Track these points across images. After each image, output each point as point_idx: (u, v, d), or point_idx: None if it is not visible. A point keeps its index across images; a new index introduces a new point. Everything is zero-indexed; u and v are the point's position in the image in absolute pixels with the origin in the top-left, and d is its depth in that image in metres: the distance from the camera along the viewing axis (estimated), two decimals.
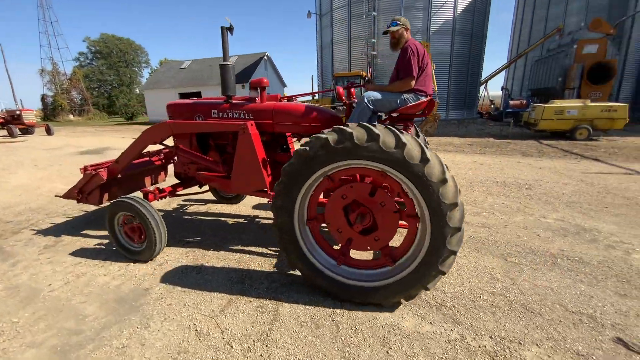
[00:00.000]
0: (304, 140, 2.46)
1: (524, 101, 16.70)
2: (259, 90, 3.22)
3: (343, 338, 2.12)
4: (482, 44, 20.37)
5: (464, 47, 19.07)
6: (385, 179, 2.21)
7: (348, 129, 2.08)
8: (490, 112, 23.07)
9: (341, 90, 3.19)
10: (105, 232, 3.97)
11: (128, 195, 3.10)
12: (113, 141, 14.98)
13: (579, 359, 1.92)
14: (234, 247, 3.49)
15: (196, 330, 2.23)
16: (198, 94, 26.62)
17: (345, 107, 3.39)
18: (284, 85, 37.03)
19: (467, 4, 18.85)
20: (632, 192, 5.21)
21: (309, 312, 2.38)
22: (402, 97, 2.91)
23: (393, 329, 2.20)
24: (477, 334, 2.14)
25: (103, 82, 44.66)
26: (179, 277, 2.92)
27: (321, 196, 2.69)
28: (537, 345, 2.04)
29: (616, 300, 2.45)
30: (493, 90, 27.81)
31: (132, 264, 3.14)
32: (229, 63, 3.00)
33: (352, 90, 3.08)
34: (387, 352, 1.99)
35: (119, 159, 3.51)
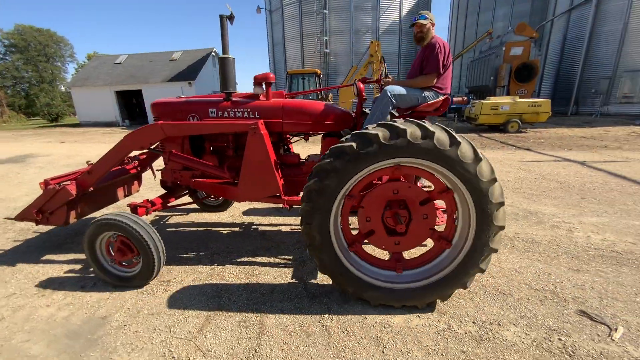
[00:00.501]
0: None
1: (465, 98, 18.24)
2: (264, 86, 2.90)
3: (336, 343, 2.06)
4: None
5: (410, 48, 20.20)
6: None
7: (400, 125, 1.98)
8: None
9: (362, 85, 2.90)
10: (43, 255, 3.39)
11: (115, 212, 2.63)
12: (37, 147, 13.00)
13: (552, 333, 2.10)
14: (204, 258, 3.22)
15: (173, 357, 1.98)
16: (138, 93, 24.37)
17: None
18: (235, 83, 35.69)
19: (411, 6, 19.98)
20: (562, 177, 5.97)
21: (296, 321, 2.27)
22: (423, 94, 2.83)
23: (384, 327, 2.20)
24: (461, 321, 2.23)
25: (19, 80, 38.55)
26: (143, 298, 2.59)
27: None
28: (514, 324, 2.19)
29: (571, 276, 2.76)
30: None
31: (80, 291, 2.71)
32: (229, 56, 2.74)
33: (362, 86, 2.85)
34: (383, 352, 1.98)
35: (92, 169, 3.00)
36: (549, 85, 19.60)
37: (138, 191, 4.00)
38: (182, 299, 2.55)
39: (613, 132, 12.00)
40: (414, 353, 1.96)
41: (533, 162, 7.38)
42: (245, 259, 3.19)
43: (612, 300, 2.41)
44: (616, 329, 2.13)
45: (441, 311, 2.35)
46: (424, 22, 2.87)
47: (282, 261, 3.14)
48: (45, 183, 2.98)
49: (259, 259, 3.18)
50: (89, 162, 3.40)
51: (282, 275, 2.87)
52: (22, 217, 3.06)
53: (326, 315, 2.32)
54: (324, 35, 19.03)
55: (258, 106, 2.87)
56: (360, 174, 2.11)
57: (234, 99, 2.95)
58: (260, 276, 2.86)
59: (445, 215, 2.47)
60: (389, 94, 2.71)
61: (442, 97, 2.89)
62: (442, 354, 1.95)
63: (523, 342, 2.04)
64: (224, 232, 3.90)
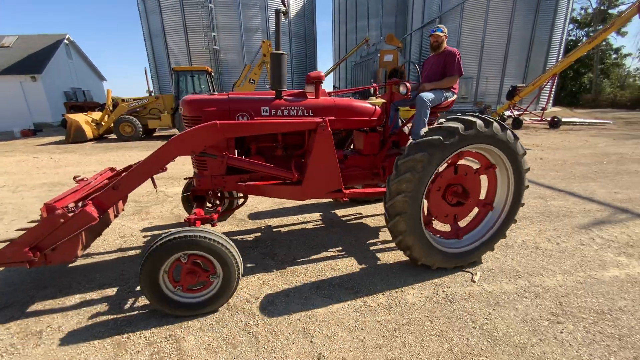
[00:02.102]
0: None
1: (353, 99, 20.32)
2: (314, 85, 2.92)
3: (266, 346, 2.04)
4: (314, 46, 23.12)
5: (300, 49, 21.11)
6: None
7: (471, 119, 2.56)
8: None
9: (409, 85, 3.16)
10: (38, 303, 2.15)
11: (183, 229, 2.18)
12: None
13: (437, 288, 2.62)
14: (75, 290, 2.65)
15: None
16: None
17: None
18: (103, 78, 29.89)
19: (298, 9, 20.81)
20: None
21: (219, 336, 2.14)
22: (445, 94, 3.36)
23: (309, 318, 2.30)
24: (374, 296, 2.54)
25: None
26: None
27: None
28: (412, 288, 2.63)
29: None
30: (325, 88, 32.20)
31: (122, 334, 1.85)
32: (282, 52, 2.61)
33: (409, 86, 3.14)
34: (311, 342, 2.08)
35: (119, 184, 2.38)
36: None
37: (123, 210, 3.35)
38: (71, 344, 2.04)
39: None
40: (339, 334, 2.13)
41: None
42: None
43: None
44: (476, 274, 2.82)
45: (356, 290, 2.61)
46: (441, 34, 3.48)
47: None
48: (50, 208, 2.16)
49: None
50: (78, 178, 2.92)
51: None
52: (4, 259, 2.11)
53: (251, 322, 2.26)
54: (211, 30, 17.89)
55: (312, 104, 2.89)
56: (445, 159, 2.59)
57: (285, 97, 2.87)
58: (133, 295, 2.55)
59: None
60: (425, 100, 3.22)
61: (455, 97, 3.48)
62: (362, 328, 2.18)
63: (420, 300, 2.48)
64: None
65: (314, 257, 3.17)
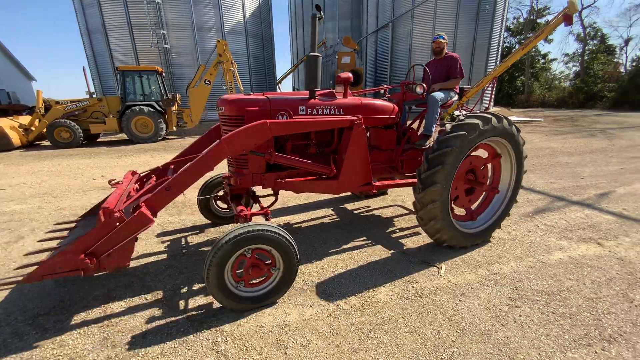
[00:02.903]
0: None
1: None
2: (344, 86, 3.10)
3: None
4: (272, 47, 22.80)
5: (258, 49, 20.66)
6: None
7: (487, 116, 2.99)
8: None
9: (425, 87, 3.50)
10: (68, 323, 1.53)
11: (249, 224, 2.26)
12: None
13: (407, 284, 2.67)
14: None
15: None
16: None
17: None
18: (31, 78, 26.59)
19: (254, 9, 20.34)
20: None
21: (185, 357, 1.95)
22: (450, 94, 3.75)
23: (282, 328, 2.20)
24: (346, 298, 2.51)
25: None
26: None
27: None
28: (383, 286, 2.65)
29: (409, 239, 3.57)
30: (285, 89, 32.06)
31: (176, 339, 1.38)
32: (317, 54, 2.71)
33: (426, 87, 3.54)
34: (285, 353, 1.98)
35: (172, 185, 2.32)
36: (372, 88, 24.57)
37: None
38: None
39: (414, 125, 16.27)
40: (314, 342, 2.06)
41: None
42: (95, 305, 2.45)
43: (430, 247, 3.29)
44: (441, 267, 2.93)
45: (328, 294, 2.56)
46: (442, 41, 3.86)
47: (145, 297, 2.60)
48: (108, 212, 2.08)
49: (115, 303, 2.52)
50: (113, 182, 2.82)
51: (153, 312, 2.39)
52: (45, 272, 1.97)
53: (219, 340, 2.10)
54: (160, 28, 16.77)
55: (343, 104, 3.02)
56: (470, 150, 3.01)
57: (318, 96, 2.96)
58: (120, 319, 2.28)
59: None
60: (437, 99, 3.58)
61: (456, 97, 3.87)
62: (337, 333, 2.14)
63: (391, 298, 2.50)
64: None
65: None
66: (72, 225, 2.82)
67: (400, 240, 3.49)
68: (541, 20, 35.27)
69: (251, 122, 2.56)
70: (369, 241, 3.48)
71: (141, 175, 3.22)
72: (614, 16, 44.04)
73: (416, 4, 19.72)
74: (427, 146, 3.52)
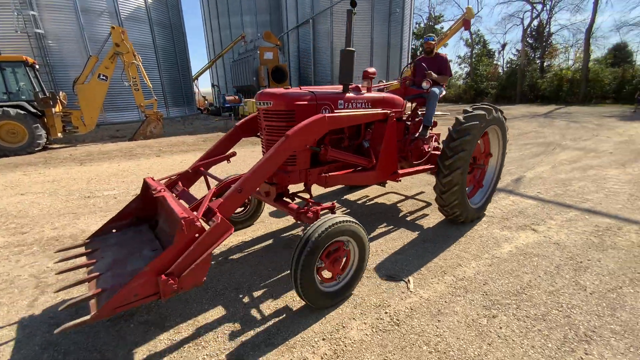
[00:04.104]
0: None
1: (237, 97, 19.03)
2: (369, 81, 3.26)
3: None
4: (183, 39, 20.43)
5: (167, 41, 18.22)
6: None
7: (489, 107, 3.50)
8: (207, 107, 24.41)
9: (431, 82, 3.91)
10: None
11: (334, 216, 2.19)
12: None
13: (379, 310, 2.28)
14: None
15: None
16: None
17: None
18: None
19: None
20: None
21: None
22: (441, 89, 4.12)
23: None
24: (314, 346, 1.99)
25: None
26: None
27: None
28: (353, 319, 2.21)
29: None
30: (202, 87, 29.58)
31: None
32: (352, 49, 2.69)
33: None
34: None
35: (243, 187, 2.12)
36: (296, 86, 24.21)
37: None
38: None
39: None
40: None
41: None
42: None
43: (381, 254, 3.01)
44: (409, 281, 2.64)
45: (290, 345, 2.00)
46: (432, 42, 4.29)
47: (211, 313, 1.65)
48: (189, 223, 1.74)
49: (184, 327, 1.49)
50: (156, 192, 2.24)
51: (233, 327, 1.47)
52: (119, 304, 1.58)
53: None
54: (28, 8, 13.26)
55: (370, 98, 3.09)
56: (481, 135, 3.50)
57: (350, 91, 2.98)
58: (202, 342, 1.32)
59: None
60: (437, 93, 3.98)
61: (444, 92, 4.22)
62: None
63: (366, 334, 2.07)
64: None
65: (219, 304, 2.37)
66: (82, 250, 2.28)
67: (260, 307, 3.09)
68: (438, 26, 40.16)
69: (301, 117, 2.54)
70: None
71: (164, 182, 2.79)
72: (493, 25, 52.50)
73: (334, 2, 20.03)
74: (428, 136, 3.97)
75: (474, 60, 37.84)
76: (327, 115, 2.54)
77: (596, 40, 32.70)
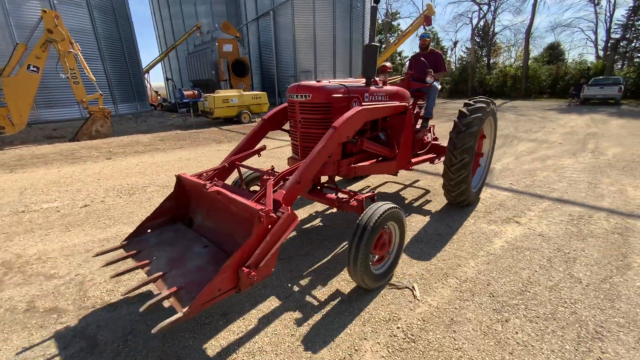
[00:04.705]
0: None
1: (196, 92, 17.73)
2: (385, 75, 3.57)
3: None
4: (129, 26, 18.45)
5: (110, 28, 16.30)
6: None
7: (487, 100, 3.85)
8: (161, 103, 22.57)
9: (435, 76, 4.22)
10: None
11: (380, 203, 2.32)
12: None
13: (391, 325, 2.08)
14: None
15: None
16: None
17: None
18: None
19: None
20: None
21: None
22: (437, 84, 4.35)
23: None
24: None
25: None
26: None
27: None
28: (365, 339, 1.99)
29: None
30: (154, 81, 27.37)
31: None
32: (376, 44, 2.82)
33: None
34: None
35: (302, 178, 2.16)
36: (258, 80, 23.35)
37: None
38: None
39: None
40: None
41: (276, 149, 8.26)
42: None
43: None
44: (413, 287, 2.49)
45: None
46: (427, 39, 4.58)
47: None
48: (266, 214, 1.76)
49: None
50: (210, 186, 2.15)
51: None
52: (206, 299, 1.58)
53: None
54: None
55: (387, 91, 3.23)
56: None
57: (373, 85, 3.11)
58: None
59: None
60: (438, 87, 4.38)
61: (440, 86, 4.45)
62: None
63: (383, 357, 1.86)
64: None
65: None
66: (123, 252, 2.19)
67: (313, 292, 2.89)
68: (395, 23, 41.29)
69: (336, 109, 2.69)
70: (323, 271, 2.76)
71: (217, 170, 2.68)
72: (445, 23, 55.56)
73: None
74: (428, 127, 4.35)
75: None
76: (365, 107, 2.69)
77: (534, 40, 35.95)
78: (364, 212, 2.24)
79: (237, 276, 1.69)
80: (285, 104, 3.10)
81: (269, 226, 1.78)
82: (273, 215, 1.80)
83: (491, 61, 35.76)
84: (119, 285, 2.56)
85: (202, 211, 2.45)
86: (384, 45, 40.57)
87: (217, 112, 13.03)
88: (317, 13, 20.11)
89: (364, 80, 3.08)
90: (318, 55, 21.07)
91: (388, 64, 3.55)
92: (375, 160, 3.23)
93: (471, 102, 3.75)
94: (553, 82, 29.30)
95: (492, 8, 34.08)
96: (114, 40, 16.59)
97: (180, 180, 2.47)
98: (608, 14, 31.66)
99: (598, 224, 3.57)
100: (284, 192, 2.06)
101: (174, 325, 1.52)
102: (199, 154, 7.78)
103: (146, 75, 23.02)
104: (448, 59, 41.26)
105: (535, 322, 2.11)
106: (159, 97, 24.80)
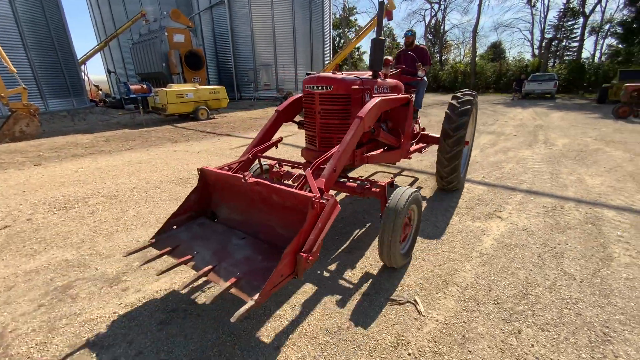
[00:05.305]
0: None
1: (145, 86, 16.06)
2: (387, 68, 3.86)
3: None
4: (58, 10, 16.08)
5: (35, 12, 14.01)
6: None
7: (473, 92, 4.14)
8: (103, 99, 20.27)
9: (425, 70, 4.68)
10: None
11: (402, 188, 2.49)
12: None
13: (397, 349, 1.83)
14: None
15: None
16: None
17: None
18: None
19: None
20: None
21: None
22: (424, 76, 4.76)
23: None
24: None
25: None
26: None
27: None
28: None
29: (351, 271, 2.74)
30: (93, 74, 24.53)
31: None
32: (383, 38, 2.95)
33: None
34: None
35: (337, 166, 2.27)
36: (214, 74, 21.98)
37: None
38: None
39: (271, 112, 15.59)
40: None
41: (242, 147, 7.67)
42: None
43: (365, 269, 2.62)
44: (415, 301, 2.27)
45: None
46: (411, 36, 5.01)
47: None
48: (318, 200, 1.83)
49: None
50: (249, 176, 2.17)
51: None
52: (272, 286, 1.65)
53: None
54: None
55: (390, 84, 3.41)
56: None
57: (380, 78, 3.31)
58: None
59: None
60: (426, 82, 4.84)
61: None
62: None
63: None
64: None
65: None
66: (156, 251, 2.13)
67: (343, 276, 2.62)
68: (352, 18, 41.62)
69: (353, 101, 2.82)
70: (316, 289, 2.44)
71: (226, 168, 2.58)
72: (400, 19, 57.17)
73: None
74: (418, 118, 4.60)
75: (386, 51, 40.76)
76: (383, 98, 2.79)
77: (480, 38, 38.50)
78: (392, 196, 2.38)
79: (295, 262, 1.75)
80: (297, 96, 3.18)
81: (318, 213, 1.83)
82: (323, 202, 1.85)
83: (443, 57, 37.71)
84: (54, 334, 1.99)
85: (229, 204, 2.47)
86: (342, 40, 40.78)
87: (170, 108, 11.90)
88: (276, 4, 19.36)
89: (370, 72, 3.18)
90: (278, 47, 20.36)
91: (390, 57, 3.59)
92: (382, 149, 3.40)
93: (460, 95, 4.05)
94: (497, 78, 31.71)
95: (442, 7, 35.83)
96: (39, 25, 14.35)
97: (204, 174, 2.45)
98: (542, 16, 34.93)
99: (571, 214, 3.69)
100: (324, 180, 2.12)
101: (249, 313, 1.65)
102: (153, 156, 6.92)
103: (83, 67, 20.44)
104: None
105: (546, 330, 2.00)
106: (100, 91, 22.24)
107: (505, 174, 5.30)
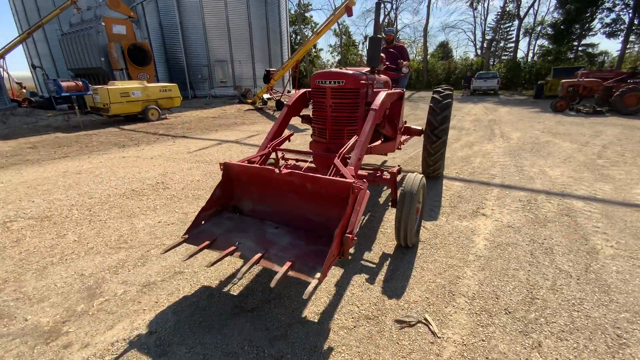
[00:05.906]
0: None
1: (81, 83, 14.10)
2: (381, 65, 3.78)
3: None
4: None
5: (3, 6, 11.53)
6: None
7: (450, 87, 4.46)
8: (29, 98, 17.57)
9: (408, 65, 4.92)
10: None
11: (414, 174, 2.75)
12: None
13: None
14: None
15: None
16: None
17: None
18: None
19: None
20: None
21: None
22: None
23: None
24: None
25: None
26: None
27: None
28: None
29: (360, 290, 2.45)
30: (14, 70, 21.24)
31: None
32: (380, 37, 3.17)
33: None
34: None
35: (360, 155, 2.42)
36: (163, 70, 20.21)
37: None
38: None
39: (229, 111, 14.73)
40: None
41: (202, 151, 6.99)
42: None
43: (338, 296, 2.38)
44: (426, 320, 2.04)
45: None
46: (392, 34, 5.40)
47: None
48: (358, 187, 1.93)
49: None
50: (283, 167, 2.33)
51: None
52: (330, 263, 1.80)
53: None
54: None
55: (384, 79, 3.62)
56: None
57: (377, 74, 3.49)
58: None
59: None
60: (409, 73, 5.00)
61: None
62: None
63: None
64: None
65: None
66: (194, 247, 2.09)
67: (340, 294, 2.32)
68: (308, 14, 41.30)
69: (361, 95, 2.97)
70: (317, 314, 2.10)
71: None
72: (355, 17, 57.95)
73: None
74: None
75: (343, 49, 41.16)
76: (388, 92, 3.02)
77: (430, 38, 40.54)
78: (406, 181, 2.61)
79: (341, 243, 1.85)
80: (303, 91, 3.28)
81: (356, 199, 1.93)
82: (361, 187, 1.93)
83: None
84: None
85: (255, 196, 2.50)
86: (299, 37, 40.29)
87: (114, 108, 10.58)
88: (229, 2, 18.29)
89: (368, 68, 3.28)
90: (234, 43, 19.32)
91: (383, 55, 3.75)
92: (380, 141, 3.65)
93: (440, 89, 4.40)
94: (447, 75, 33.70)
95: (394, 7, 37.06)
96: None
97: (228, 168, 2.46)
98: (482, 18, 37.77)
99: (545, 207, 3.79)
100: (352, 167, 2.27)
101: (316, 291, 1.97)
102: (95, 164, 5.96)
103: (1, 61, 17.47)
104: (360, 52, 43.51)
105: (565, 339, 1.90)
106: (24, 90, 19.25)
107: (476, 168, 5.41)
